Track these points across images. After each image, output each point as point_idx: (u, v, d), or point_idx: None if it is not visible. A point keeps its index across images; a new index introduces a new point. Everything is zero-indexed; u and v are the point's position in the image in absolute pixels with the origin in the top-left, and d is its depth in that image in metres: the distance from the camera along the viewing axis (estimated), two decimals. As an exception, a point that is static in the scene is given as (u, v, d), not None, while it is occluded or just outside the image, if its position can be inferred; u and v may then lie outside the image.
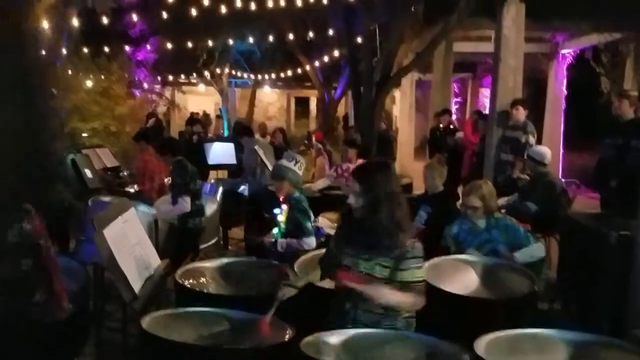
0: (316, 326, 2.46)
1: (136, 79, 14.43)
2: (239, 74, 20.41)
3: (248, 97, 21.76)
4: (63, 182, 5.77)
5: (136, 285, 2.66)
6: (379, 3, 9.78)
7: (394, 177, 2.64)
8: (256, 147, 7.28)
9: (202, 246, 5.68)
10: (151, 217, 5.03)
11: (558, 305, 4.73)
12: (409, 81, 13.19)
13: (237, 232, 6.96)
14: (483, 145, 7.57)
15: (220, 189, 6.68)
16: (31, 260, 2.06)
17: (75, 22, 10.16)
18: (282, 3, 10.46)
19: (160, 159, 5.66)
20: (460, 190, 5.68)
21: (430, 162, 5.78)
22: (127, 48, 13.99)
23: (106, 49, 12.69)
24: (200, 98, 23.00)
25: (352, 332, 2.43)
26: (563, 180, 6.49)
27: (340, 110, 19.35)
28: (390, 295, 2.45)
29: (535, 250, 3.79)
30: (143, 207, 5.02)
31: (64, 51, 10.82)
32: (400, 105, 15.10)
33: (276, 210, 4.19)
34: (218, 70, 19.23)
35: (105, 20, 10.94)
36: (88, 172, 6.68)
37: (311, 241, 4.01)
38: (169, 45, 14.25)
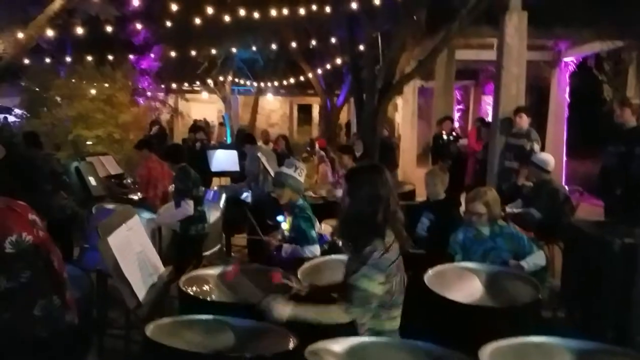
0: (320, 334, 2.45)
1: (140, 86, 14.50)
2: (241, 81, 20.49)
3: (251, 105, 21.80)
4: (67, 190, 5.78)
5: (140, 292, 2.66)
6: (381, 11, 9.81)
7: (385, 181, 2.52)
8: (259, 154, 7.27)
9: (206, 253, 5.69)
10: (154, 224, 5.06)
11: (562, 313, 4.71)
12: (411, 88, 13.23)
13: (240, 239, 6.97)
14: (486, 152, 7.57)
15: (223, 196, 6.69)
16: (30, 272, 2.01)
17: (79, 30, 10.22)
18: (285, 12, 10.50)
19: (164, 165, 5.68)
20: (462, 197, 5.67)
21: (431, 169, 5.78)
22: (131, 56, 14.06)
23: (110, 57, 12.74)
24: (203, 105, 23.08)
25: (356, 340, 2.42)
26: (566, 187, 6.49)
27: (343, 117, 19.36)
28: (297, 311, 2.43)
29: (538, 258, 3.78)
30: (146, 214, 5.04)
31: (68, 59, 10.86)
32: (403, 112, 15.11)
33: (279, 217, 4.20)
34: (221, 78, 19.31)
35: (109, 28, 10.98)
36: (92, 180, 6.70)
37: (315, 249, 4.01)
38: (173, 54, 14.31)
